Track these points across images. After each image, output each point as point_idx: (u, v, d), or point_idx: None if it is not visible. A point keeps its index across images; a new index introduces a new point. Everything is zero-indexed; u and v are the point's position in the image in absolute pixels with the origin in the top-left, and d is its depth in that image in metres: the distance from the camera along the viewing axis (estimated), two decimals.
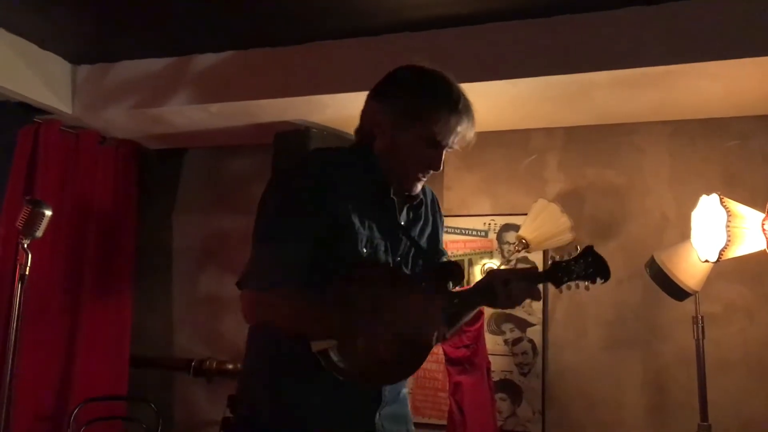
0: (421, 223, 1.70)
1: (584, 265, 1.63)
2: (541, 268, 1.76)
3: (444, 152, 1.58)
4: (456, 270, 1.66)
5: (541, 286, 1.62)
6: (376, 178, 1.58)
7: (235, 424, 1.57)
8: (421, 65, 1.64)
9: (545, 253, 3.18)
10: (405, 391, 1.69)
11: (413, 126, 1.54)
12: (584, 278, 1.64)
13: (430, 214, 1.74)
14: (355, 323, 1.46)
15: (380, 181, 1.58)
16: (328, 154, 1.63)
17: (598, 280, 1.64)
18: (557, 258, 1.68)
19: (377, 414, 1.56)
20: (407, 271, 1.63)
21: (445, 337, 1.57)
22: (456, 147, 1.59)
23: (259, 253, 1.51)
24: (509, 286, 1.54)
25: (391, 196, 1.59)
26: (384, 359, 1.47)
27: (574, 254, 1.66)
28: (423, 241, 1.69)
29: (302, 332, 1.47)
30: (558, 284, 1.64)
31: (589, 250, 1.65)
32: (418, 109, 1.54)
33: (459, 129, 1.55)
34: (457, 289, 1.76)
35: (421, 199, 1.68)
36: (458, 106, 1.55)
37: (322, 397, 1.50)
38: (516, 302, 1.58)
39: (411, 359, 1.53)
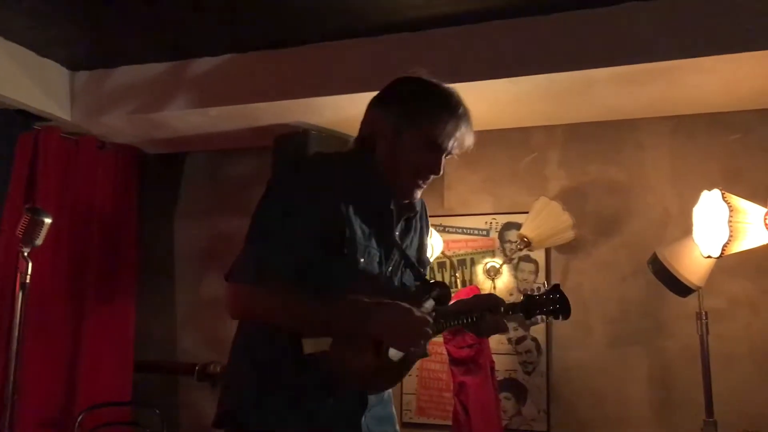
0: (411, 233, 1.74)
1: (552, 301, 1.76)
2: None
3: (444, 158, 1.63)
4: (444, 292, 1.68)
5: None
6: (377, 185, 1.61)
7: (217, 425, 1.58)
8: (422, 76, 1.69)
9: (547, 252, 3.19)
10: (389, 391, 1.72)
11: (414, 130, 1.58)
12: (549, 313, 1.76)
13: (419, 223, 1.78)
14: (342, 324, 1.48)
15: (382, 189, 1.61)
16: (328, 158, 1.66)
17: (560, 317, 1.76)
18: (529, 292, 1.88)
19: (363, 417, 1.58)
20: (396, 283, 1.67)
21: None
22: (455, 152, 1.64)
23: (250, 249, 1.53)
24: (493, 318, 1.68)
25: (391, 206, 1.62)
26: (372, 366, 1.51)
27: (544, 290, 1.79)
28: (412, 251, 1.73)
29: (284, 327, 1.50)
30: (528, 317, 1.77)
31: (557, 288, 1.77)
32: (419, 114, 1.59)
33: (458, 134, 1.60)
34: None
35: (417, 210, 1.72)
36: (458, 112, 1.60)
37: (308, 404, 1.51)
38: (491, 333, 1.74)
39: (398, 367, 1.56)
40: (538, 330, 3.17)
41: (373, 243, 1.58)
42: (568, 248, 3.16)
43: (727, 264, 2.70)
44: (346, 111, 3.00)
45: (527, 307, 1.75)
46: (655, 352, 3.02)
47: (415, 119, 1.58)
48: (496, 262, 3.23)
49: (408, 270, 1.68)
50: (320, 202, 1.51)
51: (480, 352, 2.89)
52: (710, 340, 2.60)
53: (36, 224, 2.70)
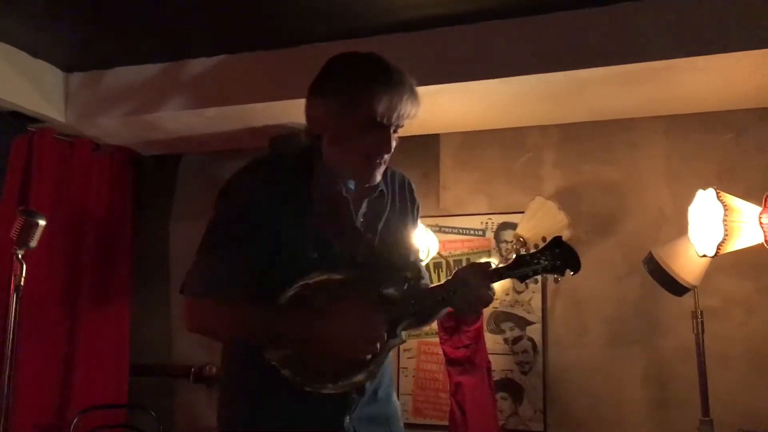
0: (386, 214, 1.63)
1: (551, 257, 1.58)
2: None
3: (392, 132, 1.52)
4: (415, 274, 1.62)
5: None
6: (325, 178, 1.55)
7: None
8: (352, 51, 1.60)
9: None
10: (389, 389, 1.65)
11: (354, 113, 1.48)
12: (552, 271, 1.59)
13: (398, 201, 1.67)
14: (293, 332, 1.46)
15: (330, 181, 1.54)
16: (269, 167, 1.60)
17: (568, 272, 1.58)
18: (522, 251, 1.64)
19: (346, 418, 1.53)
20: (365, 272, 1.56)
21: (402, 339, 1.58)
22: (402, 123, 1.52)
23: (199, 263, 1.52)
24: (469, 288, 1.54)
25: (344, 194, 1.55)
26: (332, 367, 1.48)
27: (541, 246, 1.61)
28: (387, 234, 1.62)
29: (237, 340, 1.54)
30: (522, 279, 1.60)
31: (557, 242, 1.60)
32: (354, 94, 1.49)
33: (399, 105, 1.48)
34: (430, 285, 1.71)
35: (382, 189, 1.61)
36: (392, 81, 1.49)
37: (288, 406, 1.50)
38: (481, 306, 1.58)
39: (357, 367, 1.52)
40: (534, 330, 3.17)
41: (330, 237, 1.53)
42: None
43: (723, 263, 2.71)
44: None
45: (519, 269, 1.58)
46: (651, 352, 3.02)
47: (352, 101, 1.48)
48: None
49: (380, 256, 1.59)
50: (258, 214, 1.49)
51: (476, 352, 2.88)
52: (706, 339, 2.60)
53: (30, 226, 2.69)
